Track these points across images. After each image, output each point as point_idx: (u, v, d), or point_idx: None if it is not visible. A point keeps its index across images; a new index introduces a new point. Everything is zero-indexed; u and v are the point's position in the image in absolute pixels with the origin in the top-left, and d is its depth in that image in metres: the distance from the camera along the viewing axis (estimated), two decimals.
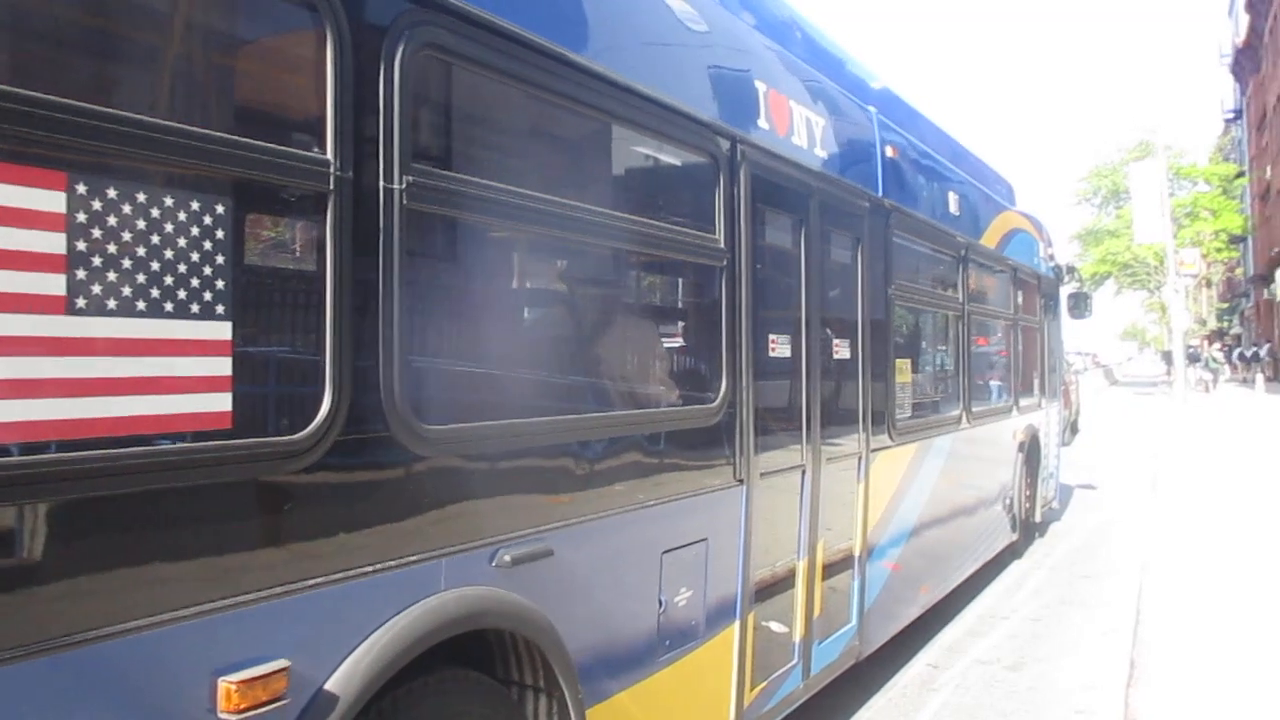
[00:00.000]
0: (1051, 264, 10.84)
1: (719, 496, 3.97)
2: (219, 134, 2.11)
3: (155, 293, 1.97)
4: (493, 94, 3.13)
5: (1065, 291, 11.73)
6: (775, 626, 4.52)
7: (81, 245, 1.85)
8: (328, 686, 2.27)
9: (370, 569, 2.40)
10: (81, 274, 1.86)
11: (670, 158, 4.04)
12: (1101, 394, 38.47)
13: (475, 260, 3.34)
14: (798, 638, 4.69)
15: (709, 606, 3.87)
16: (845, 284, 5.44)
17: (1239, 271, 59.45)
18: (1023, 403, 9.29)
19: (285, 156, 2.24)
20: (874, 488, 5.52)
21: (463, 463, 2.73)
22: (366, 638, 2.38)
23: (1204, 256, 47.53)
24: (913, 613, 6.47)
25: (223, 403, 2.10)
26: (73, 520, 1.85)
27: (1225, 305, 68.89)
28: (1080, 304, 11.97)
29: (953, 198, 7.27)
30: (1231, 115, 59.71)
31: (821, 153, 4.95)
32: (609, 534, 3.32)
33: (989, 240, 8.31)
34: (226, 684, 2.04)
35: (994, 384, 8.94)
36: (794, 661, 4.66)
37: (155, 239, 1.97)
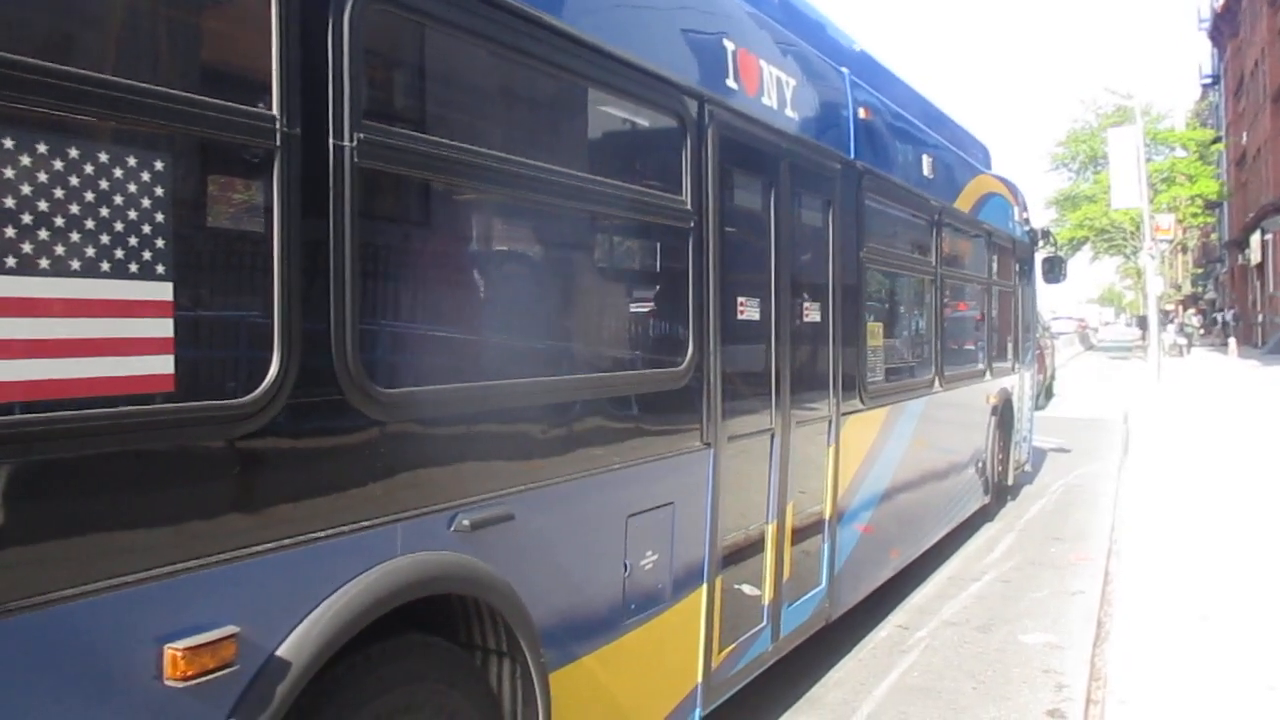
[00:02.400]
0: (1026, 228, 10.84)
1: (685, 460, 3.95)
2: (156, 88, 2.04)
3: (90, 251, 1.91)
4: (450, 49, 3.06)
5: (1040, 256, 11.74)
6: (744, 589, 4.52)
7: (10, 202, 1.79)
8: (279, 653, 2.24)
9: (323, 534, 2.36)
10: (10, 232, 1.79)
11: (636, 117, 3.98)
12: (1077, 358, 38.74)
13: (433, 220, 3.28)
14: (767, 600, 4.70)
15: (675, 570, 3.86)
16: (816, 247, 5.40)
17: (1214, 237, 59.87)
18: (996, 367, 9.32)
19: (227, 111, 2.17)
20: (845, 451, 5.52)
21: (419, 426, 2.69)
22: (319, 604, 2.34)
23: (1180, 222, 47.69)
24: (884, 575, 6.50)
25: (165, 365, 2.04)
26: (9, 487, 1.80)
27: (1200, 270, 69.42)
28: (1054, 268, 11.99)
29: (927, 161, 7.23)
30: (1209, 80, 59.79)
31: (792, 114, 4.89)
32: (572, 498, 3.29)
33: (963, 204, 8.29)
34: (173, 651, 2.01)
35: (967, 348, 8.96)
36: (763, 624, 4.67)
37: (90, 196, 1.91)
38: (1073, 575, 7.32)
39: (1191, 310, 57.75)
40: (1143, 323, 41.92)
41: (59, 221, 1.86)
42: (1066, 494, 10.74)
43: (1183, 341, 38.48)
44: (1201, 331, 46.32)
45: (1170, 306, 56.36)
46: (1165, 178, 43.81)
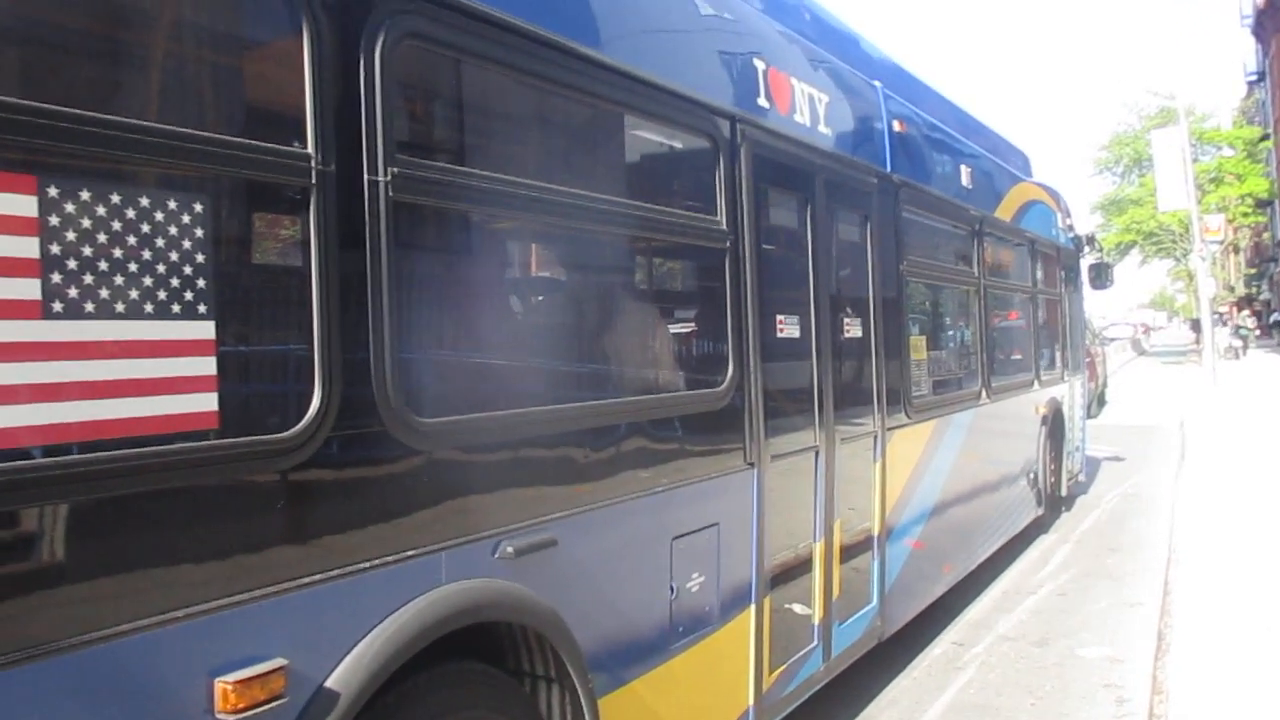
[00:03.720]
0: (1070, 235, 10.71)
1: (729, 480, 3.93)
2: (194, 131, 2.09)
3: (134, 294, 1.95)
4: (480, 81, 3.10)
5: (1086, 262, 11.58)
6: (794, 609, 4.49)
7: (56, 249, 1.84)
8: (328, 684, 2.26)
9: (368, 564, 2.38)
10: (57, 278, 1.84)
11: (668, 140, 3.99)
12: (1129, 364, 38.08)
13: (468, 250, 3.32)
14: (817, 620, 4.66)
15: (723, 592, 3.84)
16: (855, 262, 5.38)
17: (1266, 236, 58.60)
18: (1044, 376, 9.19)
19: (264, 152, 2.21)
20: (891, 466, 5.47)
21: (460, 455, 2.71)
22: (367, 634, 2.36)
23: (1230, 222, 46.78)
24: (936, 591, 6.42)
25: (209, 402, 2.08)
26: (63, 525, 1.84)
27: (1254, 271, 67.92)
28: (1101, 274, 11.81)
29: (965, 171, 7.18)
30: (1254, 78, 58.65)
31: (826, 130, 4.89)
32: (616, 522, 3.29)
33: (1004, 213, 8.21)
34: (223, 684, 2.03)
35: (1014, 358, 8.84)
36: (814, 644, 4.63)
37: (132, 240, 1.95)
38: (1131, 586, 7.17)
39: (1246, 312, 56.52)
40: (1196, 326, 41.12)
41: (103, 266, 1.91)
42: (1122, 503, 10.54)
43: (1238, 344, 37.70)
44: (1257, 333, 45.33)
45: (1224, 308, 55.26)
46: (1213, 178, 43.03)
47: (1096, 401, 19.11)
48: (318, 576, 2.25)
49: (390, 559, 2.43)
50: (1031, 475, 8.70)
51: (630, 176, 3.92)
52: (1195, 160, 34.41)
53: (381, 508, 2.45)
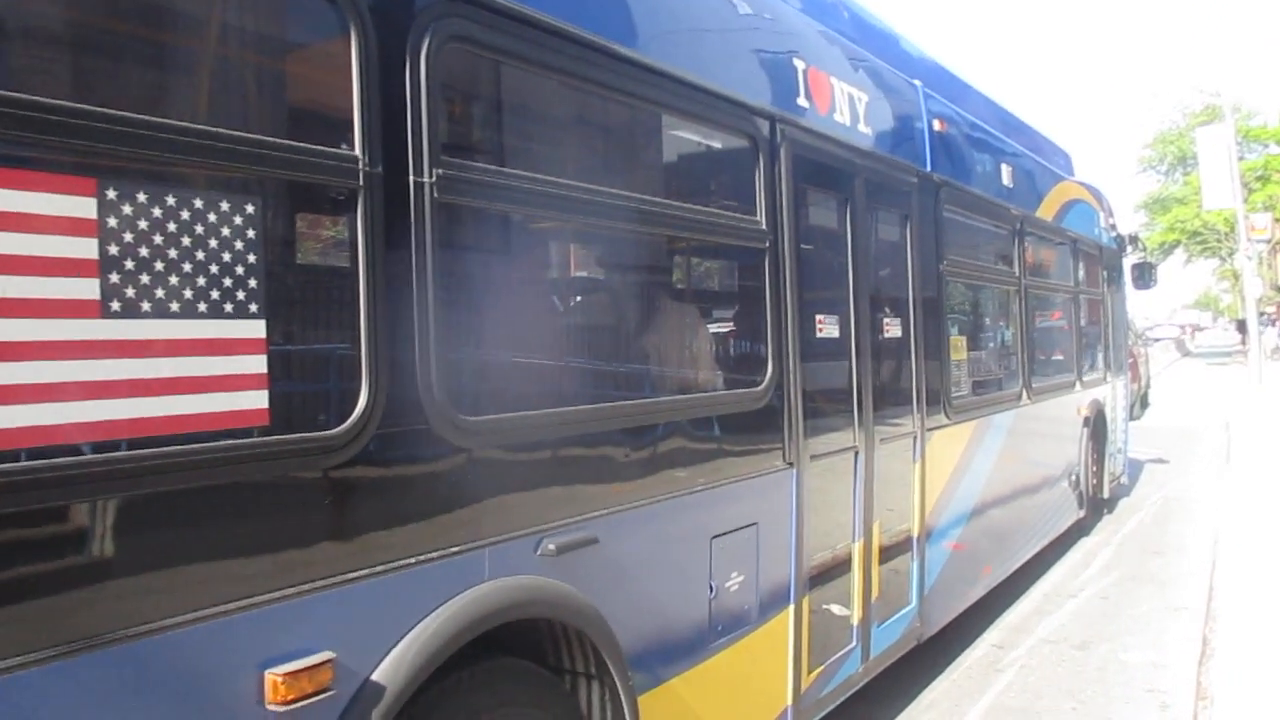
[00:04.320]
0: (1113, 234, 10.58)
1: (768, 480, 3.94)
2: (245, 134, 2.13)
3: (188, 294, 2.00)
4: (523, 84, 3.13)
5: (1128, 262, 11.44)
6: (832, 610, 4.48)
7: (114, 250, 1.89)
8: (374, 677, 2.30)
9: (413, 560, 2.42)
10: (115, 278, 1.89)
11: (708, 140, 4.00)
12: (1173, 366, 37.53)
13: (512, 251, 3.35)
14: (856, 620, 4.65)
15: (762, 591, 3.84)
16: (895, 262, 5.36)
17: None
18: (1086, 377, 9.09)
19: (313, 154, 2.26)
20: (931, 467, 5.44)
21: (503, 453, 2.74)
22: (412, 628, 2.40)
23: (1277, 221, 45.95)
24: (976, 592, 6.37)
25: (260, 400, 2.12)
26: (119, 520, 1.89)
27: None
28: (1144, 274, 11.66)
29: (1005, 170, 7.12)
30: None
31: (866, 129, 4.87)
32: (656, 520, 3.31)
33: (1045, 212, 8.13)
34: (273, 676, 2.07)
35: (1055, 359, 8.76)
36: (853, 644, 4.62)
37: (186, 241, 2.00)
38: (1175, 590, 7.08)
39: None
40: (1242, 326, 40.43)
41: (159, 266, 1.96)
42: (1165, 506, 10.40)
43: None
44: None
45: (1270, 309, 54.26)
46: (1260, 175, 42.23)
47: (1139, 403, 18.83)
48: (364, 571, 2.29)
49: (435, 555, 2.47)
50: (1073, 477, 8.61)
51: (670, 176, 3.94)
52: (1241, 158, 33.82)
53: (426, 505, 2.48)
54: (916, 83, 5.79)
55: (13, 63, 1.92)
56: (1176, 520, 9.61)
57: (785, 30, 4.35)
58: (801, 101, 4.26)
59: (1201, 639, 5.85)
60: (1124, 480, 10.98)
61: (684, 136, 3.92)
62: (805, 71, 4.31)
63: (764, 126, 3.97)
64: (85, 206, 1.85)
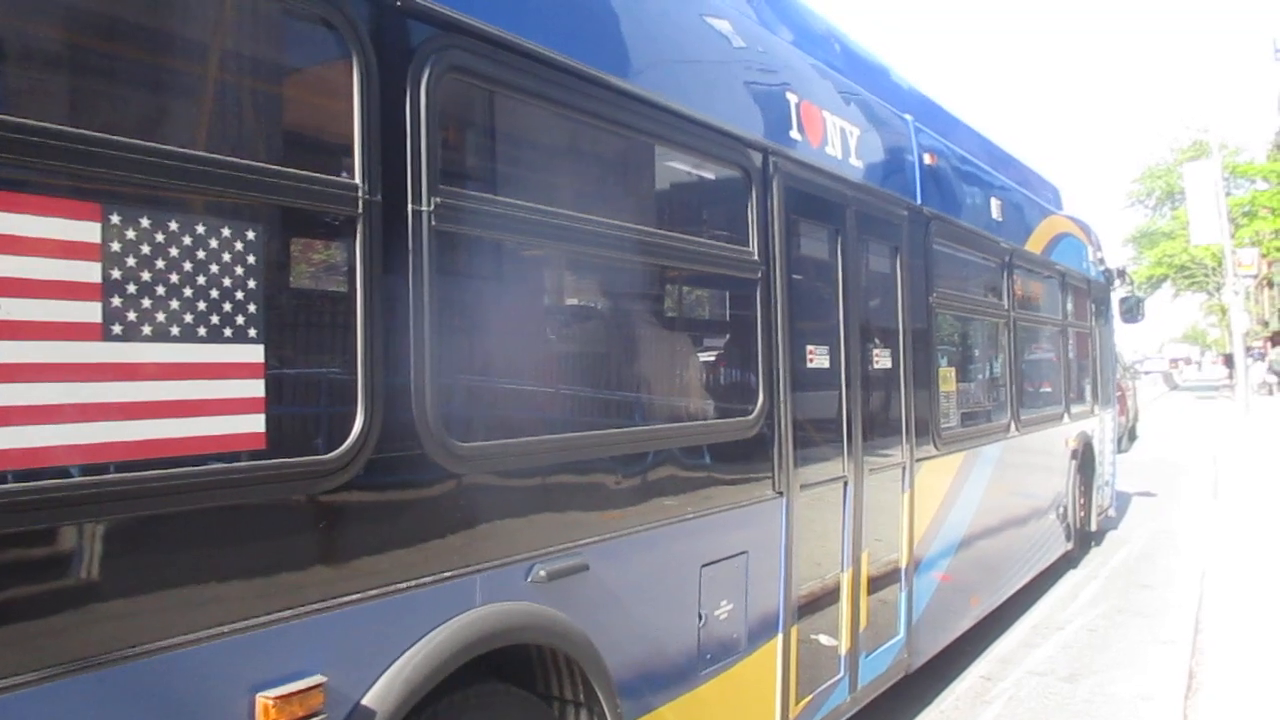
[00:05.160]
0: (1101, 268, 10.68)
1: (758, 509, 3.96)
2: (248, 162, 2.17)
3: (188, 318, 2.02)
4: (520, 114, 3.17)
5: (1117, 295, 11.54)
6: (820, 639, 4.49)
7: (116, 274, 1.91)
8: (364, 701, 2.31)
9: (405, 585, 2.43)
10: (117, 301, 1.91)
11: (701, 171, 4.05)
12: (1161, 399, 37.71)
13: (507, 279, 3.38)
14: (844, 650, 4.66)
15: (750, 620, 3.85)
16: (885, 293, 5.41)
17: None
18: (1074, 409, 9.14)
19: (313, 182, 2.29)
20: (920, 498, 5.47)
21: (496, 479, 2.76)
22: (403, 653, 2.41)
23: (1264, 256, 46.25)
24: (964, 624, 6.38)
25: (256, 424, 2.14)
26: (112, 540, 1.90)
27: None
28: (1132, 308, 11.75)
29: (995, 204, 7.20)
30: None
31: (857, 162, 4.93)
32: (646, 548, 3.32)
33: (1034, 245, 8.21)
34: (264, 700, 2.08)
35: (1044, 391, 8.81)
36: (840, 674, 4.62)
37: (188, 266, 2.02)
38: (1162, 623, 7.09)
39: None
40: (1229, 361, 40.66)
41: (160, 290, 1.98)
42: (1153, 539, 10.42)
43: (1272, 380, 37.24)
44: None
45: (1258, 344, 54.57)
46: (1246, 211, 42.60)
47: (1128, 436, 18.94)
48: (357, 596, 2.31)
49: (427, 580, 2.48)
50: (1061, 509, 8.65)
51: (664, 207, 3.98)
52: (1228, 194, 34.15)
53: (419, 530, 2.50)
54: (907, 116, 5.86)
55: (19, 88, 1.95)
56: (1164, 553, 9.64)
57: (778, 63, 4.41)
58: (794, 134, 4.31)
59: (1188, 672, 5.86)
60: (1112, 513, 11.01)
61: (678, 167, 3.97)
62: (798, 105, 4.37)
63: (757, 158, 4.03)
64: (89, 231, 1.87)
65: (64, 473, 1.84)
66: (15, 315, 1.77)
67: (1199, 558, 9.02)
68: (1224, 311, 44.95)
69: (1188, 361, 62.19)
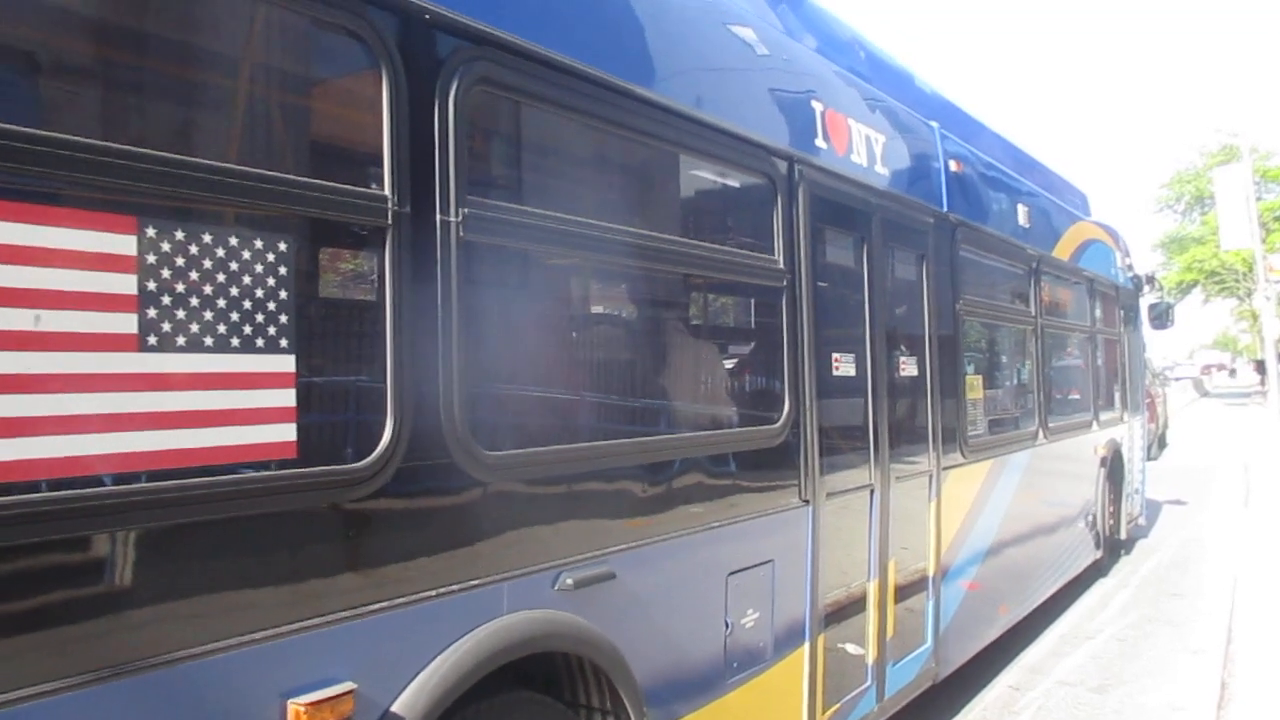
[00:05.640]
0: (1130, 274, 10.59)
1: (784, 517, 3.95)
2: (280, 174, 2.20)
3: (221, 328, 2.05)
4: (547, 125, 3.19)
5: (1145, 302, 11.43)
6: (847, 648, 4.47)
7: (152, 285, 1.94)
8: (394, 709, 2.33)
9: (434, 593, 2.45)
10: (152, 313, 1.94)
11: (728, 180, 4.06)
12: (1191, 405, 37.31)
13: (534, 289, 3.40)
14: (871, 659, 4.64)
15: (777, 628, 3.85)
16: (911, 301, 5.39)
17: None
18: (1103, 417, 9.07)
19: (344, 194, 2.32)
20: (947, 506, 5.44)
21: (524, 487, 2.77)
22: (431, 660, 2.43)
23: None
24: (992, 633, 6.34)
25: (287, 433, 2.17)
26: (146, 548, 1.93)
27: None
28: (1161, 314, 11.64)
29: (1022, 210, 7.16)
30: None
31: (883, 170, 4.92)
32: (672, 556, 3.33)
33: (1062, 252, 8.16)
34: (295, 706, 2.10)
35: (1072, 398, 8.74)
36: (868, 683, 4.60)
37: (221, 277, 2.06)
38: (1193, 633, 7.01)
39: None
40: (1261, 367, 40.18)
41: (194, 301, 2.01)
42: (1184, 548, 10.31)
43: None
44: None
45: None
46: (1277, 216, 42.20)
47: (1157, 443, 18.75)
48: (386, 603, 2.33)
49: (455, 588, 2.50)
50: (1090, 518, 8.57)
51: (690, 216, 3.99)
52: (1259, 198, 33.81)
53: (448, 538, 2.52)
54: (933, 123, 5.85)
55: (56, 103, 1.99)
56: (1194, 562, 9.53)
57: (803, 71, 4.42)
58: (819, 142, 4.31)
59: (1220, 683, 5.79)
60: (1141, 521, 10.90)
61: (704, 176, 3.98)
62: (823, 113, 4.37)
63: (782, 167, 4.03)
64: (125, 244, 1.91)
65: (98, 481, 1.87)
66: (53, 327, 1.80)
67: (1230, 566, 8.91)
68: (1255, 317, 44.43)
69: (1220, 368, 61.41)
